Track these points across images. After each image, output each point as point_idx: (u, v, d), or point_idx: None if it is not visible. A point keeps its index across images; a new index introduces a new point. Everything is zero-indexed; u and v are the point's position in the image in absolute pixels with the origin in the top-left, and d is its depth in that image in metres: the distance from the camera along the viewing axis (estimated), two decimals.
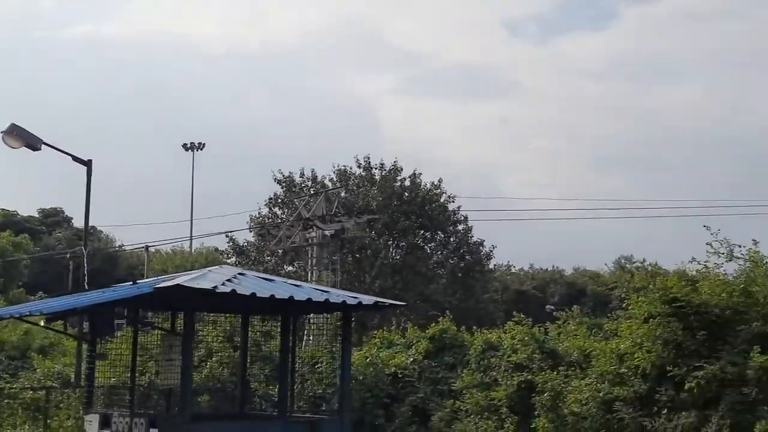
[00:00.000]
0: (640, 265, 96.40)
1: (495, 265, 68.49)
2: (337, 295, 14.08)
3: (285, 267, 55.76)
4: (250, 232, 59.31)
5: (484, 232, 62.81)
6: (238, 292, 11.93)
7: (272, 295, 12.51)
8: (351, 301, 13.87)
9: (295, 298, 12.83)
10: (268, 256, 56.81)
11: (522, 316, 19.77)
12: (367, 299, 14.61)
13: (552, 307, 75.03)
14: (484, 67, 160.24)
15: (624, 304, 17.77)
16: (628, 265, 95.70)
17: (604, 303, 78.32)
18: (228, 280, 12.39)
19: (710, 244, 16.41)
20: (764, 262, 16.49)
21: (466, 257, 62.52)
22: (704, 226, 16.50)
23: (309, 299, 13.06)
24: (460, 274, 61.54)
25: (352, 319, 15.38)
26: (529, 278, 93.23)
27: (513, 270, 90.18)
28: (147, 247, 66.01)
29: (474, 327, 21.86)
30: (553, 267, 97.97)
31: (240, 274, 13.83)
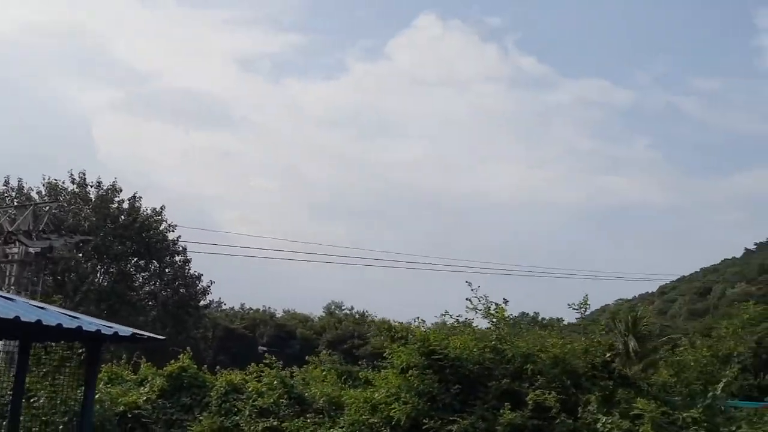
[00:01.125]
0: (348, 312, 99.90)
1: (210, 301, 66.45)
2: (90, 323, 12.15)
3: None
4: None
5: (198, 266, 60.49)
6: None
7: (17, 317, 10.41)
8: (106, 331, 12.03)
9: (44, 323, 10.81)
10: None
11: (273, 358, 18.81)
12: (125, 330, 12.81)
13: (264, 348, 74.52)
14: (213, 97, 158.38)
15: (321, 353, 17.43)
16: (337, 312, 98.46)
17: (312, 347, 79.69)
18: None
19: (470, 300, 16.83)
20: (512, 320, 17.25)
21: (181, 290, 59.96)
22: (466, 282, 16.92)
23: (59, 324, 11.08)
24: (172, 307, 58.74)
25: (101, 350, 13.43)
26: (239, 317, 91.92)
27: (224, 307, 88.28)
28: None
29: (217, 367, 20.43)
30: (264, 307, 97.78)
31: None
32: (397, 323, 18.52)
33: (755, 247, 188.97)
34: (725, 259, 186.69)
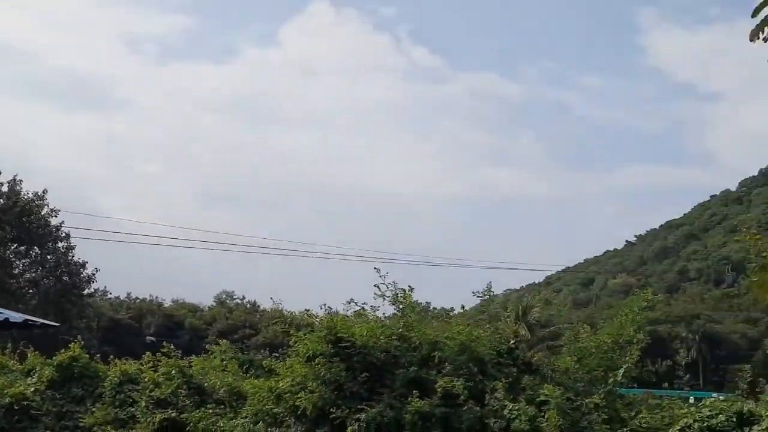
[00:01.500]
0: (240, 301, 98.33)
1: (95, 289, 63.95)
2: None
3: None
4: None
5: (83, 253, 58.05)
6: None
7: None
8: None
9: None
10: None
11: (172, 347, 18.07)
12: (16, 316, 12.02)
13: (152, 338, 72.34)
14: (96, 78, 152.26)
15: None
16: (228, 301, 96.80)
17: (202, 337, 77.96)
18: None
19: (377, 287, 16.61)
20: (420, 308, 17.15)
21: (64, 278, 57.47)
22: (375, 269, 16.69)
23: None
24: (54, 296, 56.21)
25: None
26: (125, 307, 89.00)
27: (109, 296, 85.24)
28: None
29: (110, 357, 19.46)
30: (152, 297, 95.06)
31: None
32: (288, 312, 18.00)
33: (635, 239, 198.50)
34: (607, 251, 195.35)
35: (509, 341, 16.70)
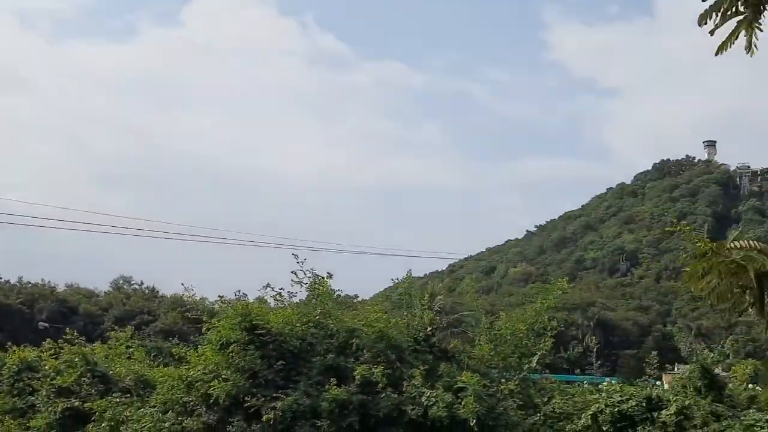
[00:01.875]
0: (138, 287, 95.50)
1: None
2: None
3: None
4: None
5: None
6: None
7: None
8: None
9: None
10: None
11: (75, 333, 17.20)
12: None
13: (45, 324, 69.37)
14: None
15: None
16: (126, 287, 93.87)
17: (97, 323, 75.35)
18: None
19: (295, 273, 16.28)
20: (336, 294, 16.91)
21: None
22: (293, 254, 16.34)
23: None
24: None
25: None
26: (15, 292, 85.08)
27: None
28: None
29: (8, 343, 18.40)
30: (44, 281, 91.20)
31: None
32: (190, 298, 17.28)
33: (535, 229, 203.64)
34: (508, 240, 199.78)
35: (426, 329, 16.69)
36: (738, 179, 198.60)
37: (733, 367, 57.16)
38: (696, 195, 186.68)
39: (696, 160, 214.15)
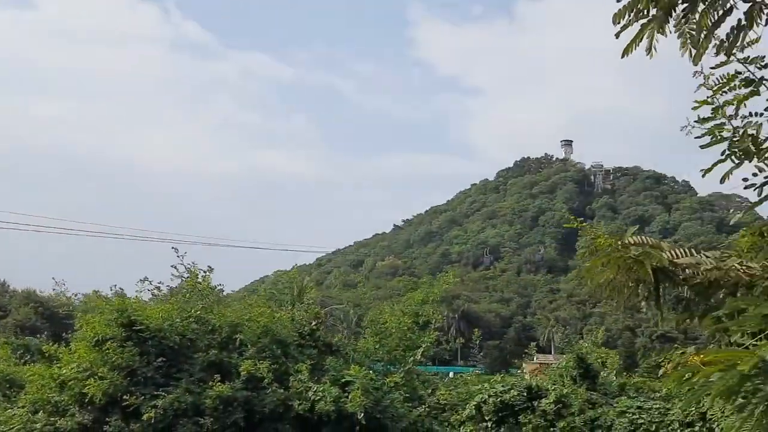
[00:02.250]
0: None
1: None
2: None
3: None
4: None
5: None
6: None
7: None
8: None
9: None
10: None
11: None
12: None
13: None
14: None
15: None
16: None
17: None
18: None
19: (175, 267, 15.76)
20: (214, 289, 16.50)
21: None
22: (173, 248, 15.79)
23: None
24: None
25: None
26: None
27: None
28: None
29: None
30: None
31: None
32: (43, 293, 16.48)
33: (403, 223, 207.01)
34: (376, 234, 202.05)
35: (311, 323, 16.57)
36: (593, 177, 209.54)
37: (602, 356, 60.06)
38: (554, 192, 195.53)
39: (554, 159, 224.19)
